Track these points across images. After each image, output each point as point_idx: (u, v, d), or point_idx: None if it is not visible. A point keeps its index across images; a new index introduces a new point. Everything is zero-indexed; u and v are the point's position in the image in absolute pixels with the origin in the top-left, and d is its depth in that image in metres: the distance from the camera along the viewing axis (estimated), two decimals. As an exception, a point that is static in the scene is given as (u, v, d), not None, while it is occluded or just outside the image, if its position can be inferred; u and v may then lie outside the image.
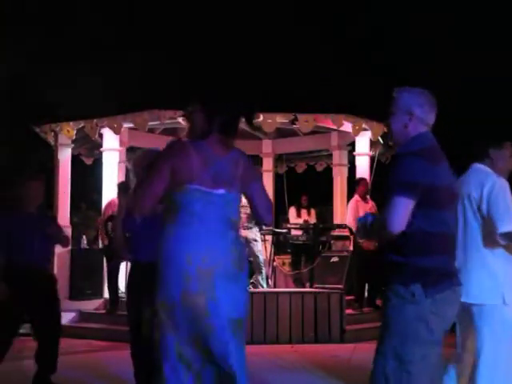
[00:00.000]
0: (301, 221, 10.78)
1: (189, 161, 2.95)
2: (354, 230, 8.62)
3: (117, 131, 9.41)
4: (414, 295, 2.77)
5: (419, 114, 2.93)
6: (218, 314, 2.95)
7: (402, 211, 2.73)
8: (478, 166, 3.87)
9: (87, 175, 12.64)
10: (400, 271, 2.83)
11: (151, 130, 10.72)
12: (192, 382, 3.01)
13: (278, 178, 12.17)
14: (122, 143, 10.09)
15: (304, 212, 11.02)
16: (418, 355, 2.76)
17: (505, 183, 3.77)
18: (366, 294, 9.04)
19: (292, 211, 11.10)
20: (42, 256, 5.05)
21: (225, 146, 3.06)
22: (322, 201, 12.06)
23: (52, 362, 4.94)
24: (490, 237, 3.67)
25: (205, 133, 3.02)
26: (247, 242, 9.21)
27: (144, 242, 3.97)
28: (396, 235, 2.76)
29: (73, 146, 10.33)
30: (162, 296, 3.00)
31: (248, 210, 9.48)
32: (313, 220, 10.83)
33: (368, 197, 9.21)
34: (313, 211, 11.11)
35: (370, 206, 8.96)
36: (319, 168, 12.32)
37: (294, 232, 10.35)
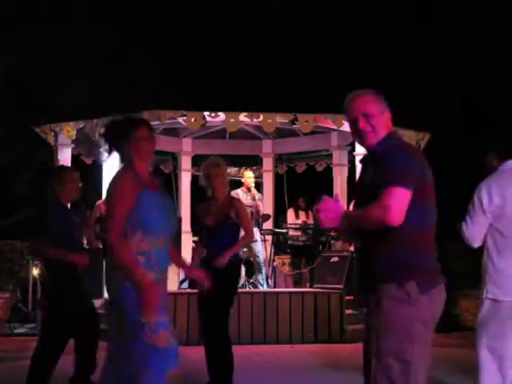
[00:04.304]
0: (299, 222, 10.76)
1: None
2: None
3: (117, 131, 9.41)
4: (410, 295, 2.67)
5: (376, 112, 2.85)
6: None
7: (403, 203, 2.64)
8: None
9: (87, 175, 12.62)
10: (391, 270, 2.73)
11: (151, 130, 10.69)
12: None
13: (278, 178, 12.16)
14: (122, 143, 10.08)
15: (302, 214, 10.95)
16: (417, 355, 2.68)
17: None
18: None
19: (290, 213, 11.07)
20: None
21: None
22: (322, 201, 12.00)
23: (92, 361, 4.84)
24: None
25: None
26: (247, 242, 9.22)
27: None
28: (388, 229, 2.65)
29: (73, 146, 10.32)
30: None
31: (248, 210, 9.51)
32: (311, 221, 10.80)
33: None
34: (311, 213, 11.06)
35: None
36: (319, 168, 12.29)
37: (293, 232, 10.34)
